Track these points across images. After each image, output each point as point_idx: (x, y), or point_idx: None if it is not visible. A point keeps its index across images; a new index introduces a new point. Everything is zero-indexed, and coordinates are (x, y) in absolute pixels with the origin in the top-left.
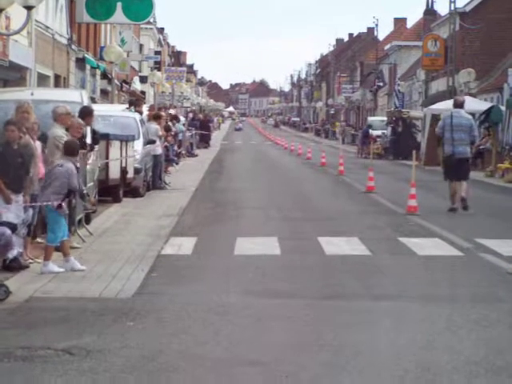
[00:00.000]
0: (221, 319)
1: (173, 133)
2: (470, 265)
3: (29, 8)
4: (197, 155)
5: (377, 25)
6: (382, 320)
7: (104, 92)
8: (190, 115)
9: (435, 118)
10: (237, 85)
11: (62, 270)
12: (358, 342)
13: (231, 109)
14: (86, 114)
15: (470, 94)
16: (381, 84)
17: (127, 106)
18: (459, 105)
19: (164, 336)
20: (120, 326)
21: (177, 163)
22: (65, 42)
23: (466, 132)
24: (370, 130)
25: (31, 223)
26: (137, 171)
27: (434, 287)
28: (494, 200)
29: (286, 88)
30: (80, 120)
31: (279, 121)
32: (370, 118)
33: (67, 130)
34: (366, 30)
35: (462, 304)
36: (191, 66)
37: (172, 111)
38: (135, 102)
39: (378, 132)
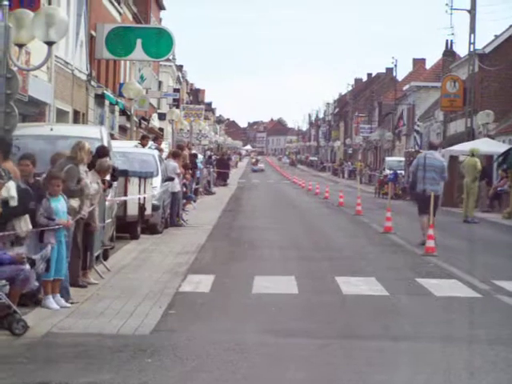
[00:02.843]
0: (239, 357)
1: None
2: (488, 306)
3: (49, 43)
4: (214, 193)
5: (396, 65)
6: (399, 360)
7: (122, 128)
8: (208, 153)
9: (453, 159)
10: (255, 123)
11: (57, 307)
12: (375, 382)
13: (249, 147)
14: (104, 154)
15: (489, 136)
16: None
17: (139, 141)
18: (434, 147)
19: (182, 373)
20: (138, 362)
21: (194, 201)
22: (84, 77)
23: (438, 172)
24: (388, 171)
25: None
26: (155, 208)
27: (451, 328)
28: (511, 242)
29: (304, 127)
30: (111, 162)
31: (296, 159)
32: (388, 159)
33: (88, 166)
34: (384, 70)
35: (479, 345)
36: (209, 104)
37: (194, 151)
38: (146, 136)
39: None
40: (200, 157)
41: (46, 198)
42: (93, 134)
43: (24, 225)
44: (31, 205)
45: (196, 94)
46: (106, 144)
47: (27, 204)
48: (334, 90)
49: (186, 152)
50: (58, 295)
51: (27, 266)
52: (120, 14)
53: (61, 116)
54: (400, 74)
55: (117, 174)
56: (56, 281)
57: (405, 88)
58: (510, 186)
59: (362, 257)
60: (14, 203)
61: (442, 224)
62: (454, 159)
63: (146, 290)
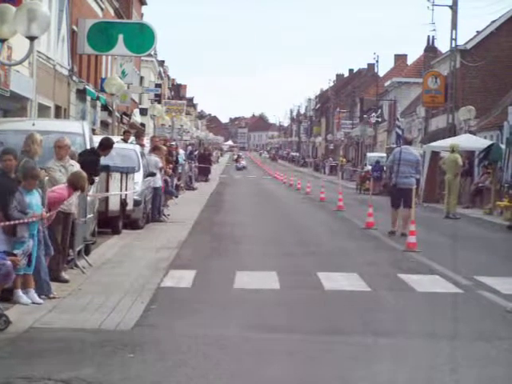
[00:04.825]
0: (220, 352)
1: (171, 166)
2: (469, 302)
3: (31, 38)
4: (196, 188)
5: (377, 61)
6: (381, 356)
7: (104, 124)
8: (189, 148)
9: (435, 155)
10: (236, 119)
11: (28, 301)
12: (357, 378)
13: (230, 142)
14: (107, 146)
15: (470, 132)
16: (379, 119)
17: (122, 136)
18: (408, 142)
19: (164, 368)
20: (120, 357)
21: (176, 196)
22: (66, 73)
23: (413, 166)
24: (369, 166)
25: (32, 253)
26: (136, 203)
27: (433, 324)
28: (492, 238)
29: (286, 123)
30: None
31: (276, 154)
32: (369, 154)
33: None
34: (366, 66)
35: (461, 341)
36: (191, 99)
37: (173, 143)
38: (128, 131)
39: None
40: (181, 152)
41: (19, 191)
42: (75, 128)
43: None
44: None
45: (177, 90)
46: (87, 139)
47: None
48: (316, 85)
49: (164, 147)
50: (32, 290)
51: (8, 262)
52: (102, 9)
53: (42, 111)
54: (382, 70)
55: (98, 168)
56: (26, 276)
57: (386, 84)
58: (491, 181)
59: (343, 252)
60: None
61: (424, 220)
62: (435, 155)
63: (128, 285)
